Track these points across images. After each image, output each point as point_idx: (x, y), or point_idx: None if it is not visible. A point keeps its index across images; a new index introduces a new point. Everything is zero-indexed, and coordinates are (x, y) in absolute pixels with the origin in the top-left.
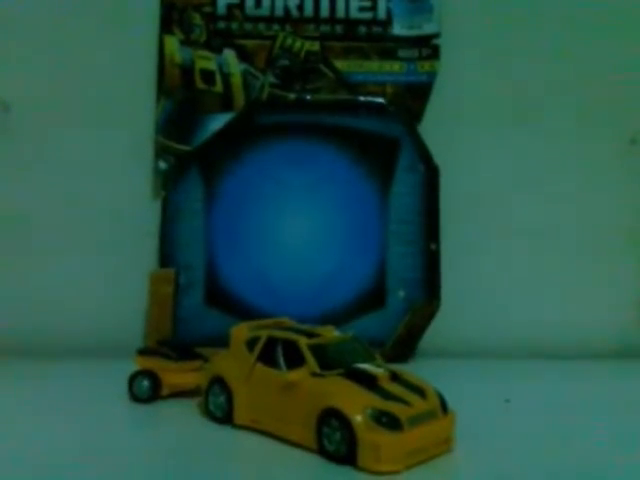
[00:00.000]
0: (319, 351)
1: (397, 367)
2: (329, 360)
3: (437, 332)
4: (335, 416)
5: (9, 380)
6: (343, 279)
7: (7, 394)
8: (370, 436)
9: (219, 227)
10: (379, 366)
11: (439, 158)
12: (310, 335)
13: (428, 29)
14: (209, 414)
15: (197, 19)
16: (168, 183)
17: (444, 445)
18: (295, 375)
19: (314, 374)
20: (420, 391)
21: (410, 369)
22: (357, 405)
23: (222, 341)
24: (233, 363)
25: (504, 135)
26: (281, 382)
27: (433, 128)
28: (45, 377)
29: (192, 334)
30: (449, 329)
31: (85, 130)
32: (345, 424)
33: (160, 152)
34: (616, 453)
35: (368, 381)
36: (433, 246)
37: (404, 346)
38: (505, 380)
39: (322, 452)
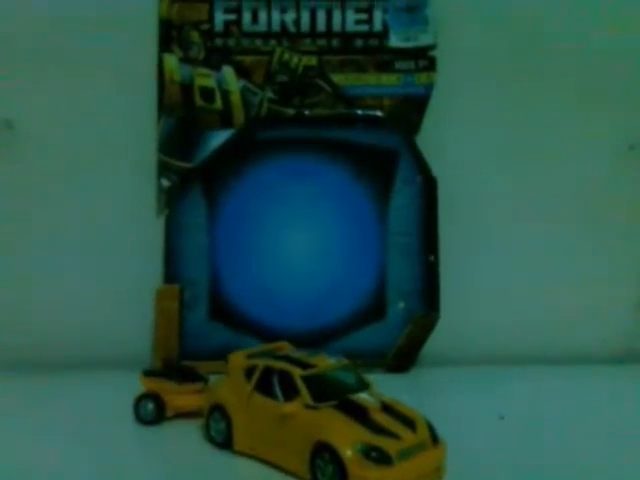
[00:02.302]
0: (313, 382)
1: (388, 397)
2: (323, 390)
3: (437, 342)
4: (327, 450)
5: (17, 395)
6: (344, 291)
7: (13, 409)
8: (360, 471)
9: (222, 242)
10: (372, 395)
11: (437, 170)
12: (305, 365)
13: (424, 40)
14: (210, 439)
15: (195, 37)
16: (171, 200)
17: (434, 475)
18: (289, 408)
19: (307, 406)
20: (410, 422)
21: (411, 379)
22: (347, 440)
23: (226, 355)
24: (232, 391)
25: (501, 145)
26: (277, 413)
27: (431, 140)
28: (54, 390)
29: (197, 348)
30: (448, 339)
31: (87, 149)
32: (336, 459)
33: (162, 170)
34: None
35: (360, 413)
36: (432, 257)
37: (405, 357)
38: (501, 389)
39: None
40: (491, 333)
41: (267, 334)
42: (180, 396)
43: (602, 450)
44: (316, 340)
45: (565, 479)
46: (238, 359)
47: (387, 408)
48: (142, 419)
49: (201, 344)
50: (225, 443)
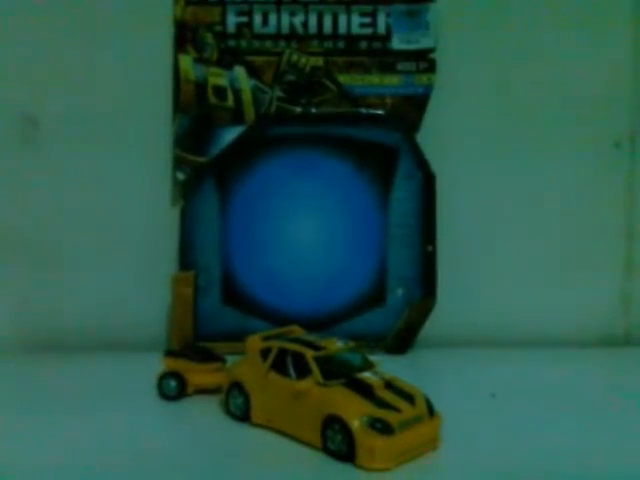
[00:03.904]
0: (323, 362)
1: (390, 375)
2: (332, 370)
3: (433, 326)
4: (337, 422)
5: (46, 375)
6: (347, 279)
7: (45, 388)
8: (366, 440)
9: (233, 232)
10: (375, 374)
11: (436, 166)
12: (316, 347)
13: (425, 43)
14: (229, 413)
15: (209, 38)
16: (186, 192)
17: (430, 444)
18: (303, 385)
19: (319, 383)
20: (410, 397)
21: (409, 360)
22: (355, 413)
23: (238, 337)
24: (249, 370)
25: (497, 143)
26: (291, 390)
27: (430, 138)
28: (80, 370)
29: (211, 330)
30: (444, 323)
31: (109, 145)
32: (345, 429)
33: (178, 164)
34: (604, 448)
35: (365, 390)
36: (430, 247)
37: (403, 340)
38: (492, 369)
39: (326, 451)
40: (483, 318)
41: (275, 318)
42: (200, 374)
43: (585, 424)
44: (321, 324)
45: (547, 448)
46: (255, 341)
47: (389, 385)
48: (165, 395)
49: (214, 327)
50: (243, 416)
